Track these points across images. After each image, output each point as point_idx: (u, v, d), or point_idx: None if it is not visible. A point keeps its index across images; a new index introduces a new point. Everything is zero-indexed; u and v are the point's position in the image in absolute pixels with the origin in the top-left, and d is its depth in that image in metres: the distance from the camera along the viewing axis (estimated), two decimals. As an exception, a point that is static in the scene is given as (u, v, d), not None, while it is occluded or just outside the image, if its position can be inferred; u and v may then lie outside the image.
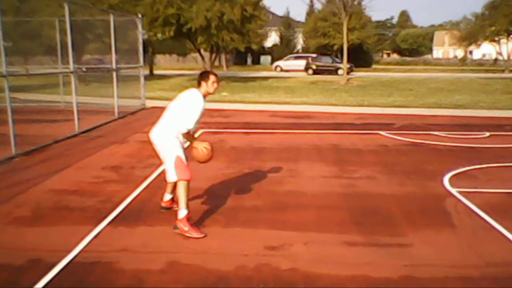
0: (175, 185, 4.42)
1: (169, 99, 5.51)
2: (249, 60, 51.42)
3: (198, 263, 3.55)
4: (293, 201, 5.07)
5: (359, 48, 42.98)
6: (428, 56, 66.43)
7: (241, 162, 6.88)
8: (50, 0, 14.37)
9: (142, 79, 13.59)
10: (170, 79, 26.83)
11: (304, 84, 24.23)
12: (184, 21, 22.02)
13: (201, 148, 4.19)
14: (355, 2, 30.15)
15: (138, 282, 3.27)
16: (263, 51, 49.11)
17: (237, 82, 24.64)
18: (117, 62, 11.39)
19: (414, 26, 79.89)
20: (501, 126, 10.32)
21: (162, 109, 4.50)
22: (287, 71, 37.97)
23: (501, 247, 3.88)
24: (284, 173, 6.26)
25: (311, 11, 54.29)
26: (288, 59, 40.58)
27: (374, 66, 48.03)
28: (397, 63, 56.13)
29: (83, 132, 9.18)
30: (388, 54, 71.19)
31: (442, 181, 5.82)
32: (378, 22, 65.17)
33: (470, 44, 39.67)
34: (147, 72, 24.42)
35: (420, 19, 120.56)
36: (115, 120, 11.00)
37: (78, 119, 9.12)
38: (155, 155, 4.51)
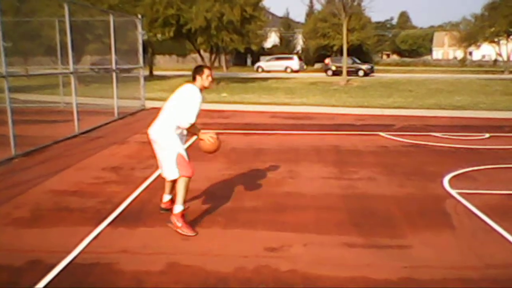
0: (173, 185, 4.43)
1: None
2: (248, 61, 51.44)
3: (198, 264, 3.55)
4: (292, 202, 5.07)
5: (359, 49, 43.06)
6: (428, 57, 66.45)
7: (241, 163, 6.88)
8: (50, 0, 14.37)
9: (142, 79, 13.59)
10: (169, 80, 26.82)
11: (304, 85, 24.24)
12: (184, 21, 22.02)
13: (207, 138, 4.27)
14: (355, 3, 30.14)
15: (138, 283, 3.27)
16: (263, 52, 49.13)
17: (237, 83, 24.65)
18: (117, 63, 11.39)
19: (414, 27, 79.90)
20: (500, 127, 10.33)
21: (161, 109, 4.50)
22: (268, 71, 38.91)
23: (501, 249, 3.88)
24: (283, 174, 6.26)
25: (310, 12, 54.37)
26: (269, 60, 41.45)
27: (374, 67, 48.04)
28: (396, 64, 56.16)
29: (83, 133, 9.18)
30: (388, 55, 71.22)
31: (442, 182, 5.82)
32: (378, 23, 65.23)
33: (469, 45, 39.69)
34: (147, 72, 24.42)
35: (420, 20, 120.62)
36: (115, 120, 11.00)
37: (78, 119, 9.12)
38: (154, 155, 4.51)
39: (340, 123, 10.99)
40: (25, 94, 15.68)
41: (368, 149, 7.94)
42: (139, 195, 5.29)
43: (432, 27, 75.07)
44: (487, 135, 9.30)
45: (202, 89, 4.28)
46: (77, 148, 7.96)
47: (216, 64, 33.70)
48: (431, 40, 71.47)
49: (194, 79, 4.29)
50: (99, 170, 6.40)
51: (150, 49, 30.58)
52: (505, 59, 38.57)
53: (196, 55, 29.62)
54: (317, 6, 61.27)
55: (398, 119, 11.64)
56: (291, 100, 15.94)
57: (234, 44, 23.39)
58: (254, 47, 36.44)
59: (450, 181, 5.88)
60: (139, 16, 14.04)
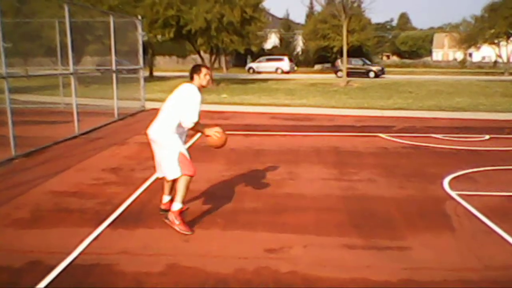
0: (173, 186, 4.42)
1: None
2: (248, 62, 51.40)
3: (198, 265, 3.55)
4: (292, 204, 5.07)
5: (359, 50, 43.04)
6: (428, 59, 66.43)
7: (241, 164, 6.88)
8: (50, 1, 14.37)
9: (142, 80, 13.60)
10: (170, 81, 26.81)
11: (304, 86, 24.24)
12: (184, 23, 22.03)
13: (214, 134, 4.27)
14: (355, 4, 30.25)
15: (137, 284, 3.27)
16: (263, 53, 49.14)
17: (237, 84, 24.67)
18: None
19: (414, 28, 79.94)
20: (500, 129, 10.33)
21: (162, 111, 4.51)
22: (259, 72, 39.10)
23: (501, 251, 3.88)
24: (283, 175, 6.26)
25: (310, 13, 54.42)
26: (260, 61, 41.67)
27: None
28: (396, 66, 56.16)
29: (83, 134, 9.18)
30: (388, 56, 71.23)
31: (442, 184, 5.82)
32: (378, 24, 65.26)
33: (469, 46, 39.65)
34: (147, 73, 24.43)
35: (420, 21, 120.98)
36: (115, 121, 11.00)
37: (78, 120, 9.12)
38: (153, 156, 4.50)
39: (340, 124, 10.99)
40: (25, 95, 15.69)
41: (368, 150, 7.94)
42: (139, 196, 5.29)
43: (432, 28, 75.08)
44: (487, 136, 9.30)
45: (200, 88, 4.27)
46: (77, 149, 7.96)
47: (216, 65, 33.71)
48: (431, 42, 71.49)
49: (191, 78, 4.29)
50: (99, 171, 6.40)
51: (150, 50, 30.60)
52: (505, 60, 38.58)
53: (196, 56, 29.62)
54: (317, 7, 61.29)
55: (398, 120, 11.65)
56: (291, 101, 15.95)
57: (234, 45, 23.41)
58: (254, 48, 36.54)
59: (450, 182, 5.88)
60: (139, 17, 14.05)
